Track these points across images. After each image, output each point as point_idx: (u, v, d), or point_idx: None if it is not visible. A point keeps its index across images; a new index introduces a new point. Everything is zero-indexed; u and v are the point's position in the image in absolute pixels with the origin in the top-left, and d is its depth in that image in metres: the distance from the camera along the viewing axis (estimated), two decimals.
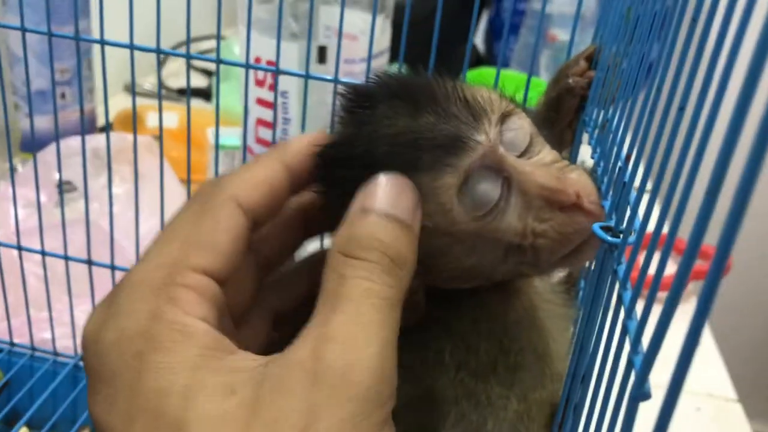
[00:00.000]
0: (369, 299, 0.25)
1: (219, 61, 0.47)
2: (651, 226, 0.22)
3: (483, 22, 1.32)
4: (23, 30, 0.49)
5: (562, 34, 1.18)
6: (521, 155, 0.31)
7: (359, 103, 0.31)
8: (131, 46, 0.47)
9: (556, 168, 0.30)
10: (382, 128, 0.30)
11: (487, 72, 1.13)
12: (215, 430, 0.23)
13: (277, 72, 0.45)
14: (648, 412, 0.20)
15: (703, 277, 0.88)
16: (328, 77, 0.45)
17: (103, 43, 0.47)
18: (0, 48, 0.91)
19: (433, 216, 0.29)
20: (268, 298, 0.33)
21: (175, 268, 0.26)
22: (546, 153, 0.31)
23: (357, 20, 0.63)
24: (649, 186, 0.24)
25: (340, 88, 0.33)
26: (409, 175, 0.29)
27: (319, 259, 0.33)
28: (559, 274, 0.41)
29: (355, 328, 0.24)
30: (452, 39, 0.40)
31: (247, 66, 0.46)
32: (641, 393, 0.20)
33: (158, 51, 0.47)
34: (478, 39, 1.34)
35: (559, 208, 0.29)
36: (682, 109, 0.22)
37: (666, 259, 0.21)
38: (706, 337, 0.80)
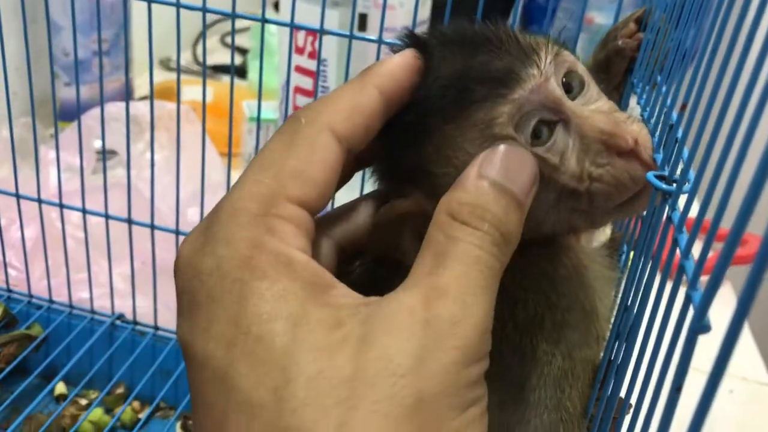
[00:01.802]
0: (478, 266, 0.25)
1: (264, 20, 0.47)
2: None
3: (519, 6, 1.30)
4: None
5: (598, 17, 1.17)
6: (576, 98, 0.31)
7: (416, 49, 0.31)
8: (177, 5, 0.48)
9: (615, 116, 0.30)
10: (437, 70, 0.30)
11: None
12: (322, 361, 0.23)
13: (321, 32, 0.45)
14: (687, 398, 0.20)
15: (741, 263, 0.87)
16: (372, 37, 0.45)
17: (150, 1, 0.48)
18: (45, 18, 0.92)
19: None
20: (334, 229, 0.32)
21: (272, 198, 0.26)
22: (604, 102, 0.31)
23: None
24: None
25: (397, 37, 0.33)
26: (462, 111, 0.29)
27: (380, 196, 0.32)
28: (603, 239, 0.41)
29: (465, 287, 0.24)
30: (492, 17, 0.40)
31: (291, 25, 0.46)
32: (701, 326, 0.20)
33: (204, 9, 0.47)
34: (515, 22, 1.33)
35: (617, 154, 0.29)
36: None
37: (724, 207, 0.21)
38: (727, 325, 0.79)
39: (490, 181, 0.27)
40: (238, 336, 0.23)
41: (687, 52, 0.30)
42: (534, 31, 0.33)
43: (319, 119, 0.27)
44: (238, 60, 1.28)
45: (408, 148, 0.31)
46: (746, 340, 0.77)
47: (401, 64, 0.30)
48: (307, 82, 0.66)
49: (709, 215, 0.22)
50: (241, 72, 1.23)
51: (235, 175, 0.86)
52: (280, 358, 0.23)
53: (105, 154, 0.58)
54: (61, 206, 0.58)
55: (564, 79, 0.30)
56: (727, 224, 0.18)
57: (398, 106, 0.30)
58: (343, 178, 0.33)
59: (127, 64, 0.56)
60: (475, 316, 0.24)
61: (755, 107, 0.18)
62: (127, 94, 0.59)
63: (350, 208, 0.33)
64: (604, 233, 0.41)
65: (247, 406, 0.22)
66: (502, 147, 0.27)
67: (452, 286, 0.24)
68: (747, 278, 0.17)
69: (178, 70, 0.52)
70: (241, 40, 1.32)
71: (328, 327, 0.23)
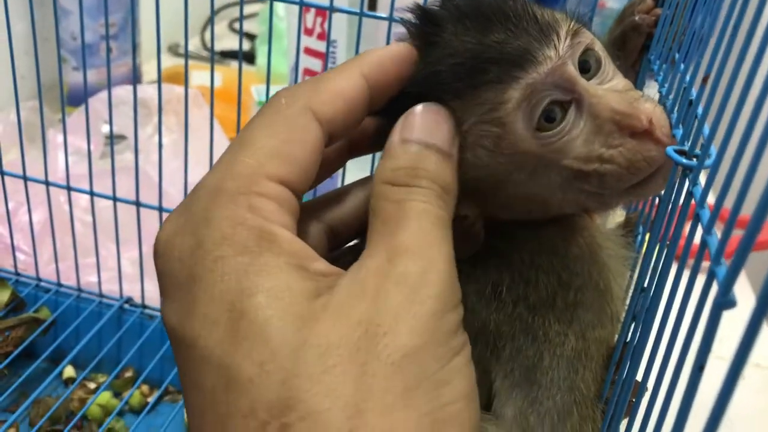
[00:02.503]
0: (429, 218, 0.26)
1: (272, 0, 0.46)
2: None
3: None
4: None
5: (611, 1, 1.15)
6: (592, 78, 0.30)
7: (426, 24, 0.31)
8: None
9: (630, 95, 0.30)
10: (449, 47, 0.29)
11: None
12: (306, 331, 0.23)
13: (330, 9, 0.45)
14: (705, 385, 0.19)
15: (759, 249, 0.86)
16: (383, 15, 0.44)
17: None
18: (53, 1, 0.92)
19: (495, 134, 0.29)
20: (324, 212, 0.32)
21: (253, 177, 0.26)
22: (619, 80, 0.31)
23: None
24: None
25: (408, 10, 0.32)
26: (473, 89, 0.28)
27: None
28: (618, 220, 0.41)
29: (423, 241, 0.25)
30: None
31: (300, 3, 0.46)
32: (726, 301, 0.19)
33: None
34: None
35: (630, 134, 0.29)
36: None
37: (750, 181, 0.20)
38: (753, 307, 0.78)
39: (415, 141, 0.27)
40: (222, 313, 0.23)
41: (707, 31, 0.29)
42: (554, 6, 0.32)
43: (299, 101, 0.27)
44: (246, 45, 1.27)
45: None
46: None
47: (392, 54, 0.29)
48: (316, 64, 0.65)
49: (729, 201, 0.22)
50: (249, 57, 1.22)
51: None
52: (264, 331, 0.23)
53: (112, 137, 0.57)
54: (69, 188, 0.58)
55: (580, 58, 0.30)
56: (751, 200, 0.18)
57: (384, 97, 0.30)
58: (334, 165, 0.33)
59: (134, 48, 0.55)
60: (439, 264, 0.25)
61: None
62: (134, 78, 0.58)
63: (343, 192, 0.33)
64: (620, 214, 0.40)
65: (236, 383, 0.23)
66: (416, 108, 0.28)
67: (412, 242, 0.25)
68: None
69: (186, 54, 0.51)
70: (249, 26, 1.31)
71: (308, 297, 0.24)
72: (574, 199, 0.31)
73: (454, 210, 0.30)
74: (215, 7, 0.48)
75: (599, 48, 0.31)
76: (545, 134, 0.29)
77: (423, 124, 0.28)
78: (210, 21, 0.52)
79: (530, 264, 0.33)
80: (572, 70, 0.29)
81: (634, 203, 0.41)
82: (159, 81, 0.54)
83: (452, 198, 0.28)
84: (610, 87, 0.30)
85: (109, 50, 0.94)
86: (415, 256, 0.25)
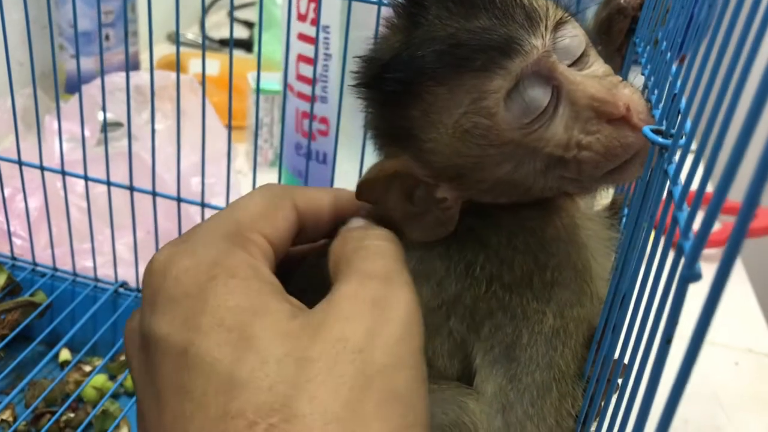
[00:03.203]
0: (387, 253, 0.31)
1: None
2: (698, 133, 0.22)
3: None
4: None
5: None
6: (573, 65, 0.30)
7: (410, 6, 0.31)
8: None
9: (608, 81, 0.30)
10: (433, 30, 0.29)
11: None
12: (288, 345, 0.26)
13: None
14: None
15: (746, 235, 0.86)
16: (372, 0, 0.44)
17: None
18: None
19: (476, 121, 0.29)
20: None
21: (245, 227, 0.31)
22: (599, 66, 0.31)
23: None
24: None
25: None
26: (457, 76, 0.29)
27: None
28: (604, 202, 0.41)
29: (388, 270, 0.29)
30: None
31: None
32: (691, 274, 0.20)
33: None
34: None
35: (607, 121, 0.29)
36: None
37: (714, 159, 0.20)
38: (748, 293, 0.78)
39: (352, 230, 0.32)
40: (215, 325, 0.26)
41: (704, 18, 0.30)
42: None
43: (289, 195, 0.34)
44: (244, 33, 1.27)
45: (396, 108, 0.31)
46: (753, 311, 0.76)
47: (358, 204, 0.34)
48: (310, 50, 0.65)
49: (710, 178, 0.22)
50: (247, 45, 1.22)
51: (235, 147, 0.85)
52: (253, 343, 0.26)
53: (106, 122, 0.58)
54: (63, 173, 0.58)
55: (563, 46, 0.30)
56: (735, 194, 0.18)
57: (340, 220, 0.34)
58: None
59: (126, 35, 0.55)
60: (405, 292, 0.28)
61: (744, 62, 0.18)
62: (127, 64, 0.59)
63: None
64: (606, 196, 0.40)
65: (227, 387, 0.25)
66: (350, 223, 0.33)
67: (379, 271, 0.29)
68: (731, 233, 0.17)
69: (177, 38, 0.52)
70: (248, 14, 1.31)
71: (288, 317, 0.27)
72: (555, 185, 0.31)
73: (435, 192, 0.32)
74: None
75: (581, 35, 0.31)
76: (528, 122, 0.29)
77: (356, 226, 0.33)
78: (203, 9, 0.52)
79: (507, 244, 0.33)
80: (554, 59, 0.29)
81: (622, 185, 0.41)
82: (151, 67, 0.55)
83: (390, 234, 0.32)
84: (589, 73, 0.30)
85: (101, 38, 0.94)
86: (384, 282, 0.28)
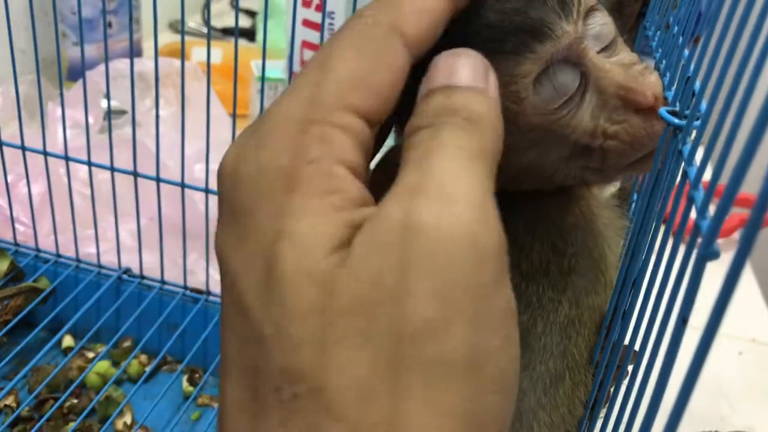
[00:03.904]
0: (444, 151, 0.22)
1: None
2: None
3: None
4: None
5: None
6: (601, 52, 0.30)
7: None
8: None
9: (635, 69, 0.29)
10: (467, 12, 0.29)
11: None
12: (323, 296, 0.20)
13: None
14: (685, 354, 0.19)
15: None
16: None
17: None
18: None
19: (513, 110, 0.28)
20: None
21: (332, 106, 0.23)
22: (626, 54, 0.30)
23: None
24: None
25: None
26: (492, 58, 0.28)
27: None
28: (613, 188, 0.41)
29: (437, 177, 0.21)
30: None
31: None
32: (709, 252, 0.20)
33: None
34: None
35: (634, 110, 0.28)
36: None
37: (732, 140, 0.20)
38: (751, 283, 0.78)
39: (437, 88, 0.24)
40: (257, 258, 0.22)
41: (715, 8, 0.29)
42: None
43: (386, 20, 0.24)
44: (247, 22, 1.27)
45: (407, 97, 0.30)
46: (756, 301, 0.76)
47: None
48: (315, 36, 0.65)
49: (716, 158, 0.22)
50: (250, 34, 1.22)
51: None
52: (283, 288, 0.21)
53: (110, 108, 0.57)
54: (67, 159, 0.58)
55: (593, 32, 0.29)
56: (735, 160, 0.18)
57: (465, 3, 0.27)
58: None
59: (131, 21, 0.55)
60: (463, 209, 0.21)
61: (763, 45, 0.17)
62: (131, 50, 0.58)
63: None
64: (615, 183, 0.40)
65: (259, 340, 0.21)
66: (437, 58, 0.25)
67: (424, 183, 0.21)
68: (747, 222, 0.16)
69: (182, 25, 0.51)
70: (250, 3, 1.30)
71: (331, 247, 0.21)
72: (578, 173, 0.31)
73: None
74: None
75: (611, 23, 0.30)
76: (557, 108, 0.28)
77: (444, 70, 0.25)
78: None
79: (525, 231, 0.33)
80: (585, 44, 0.28)
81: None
82: (156, 53, 0.54)
83: (487, 127, 0.24)
84: (617, 60, 0.29)
85: (106, 25, 0.94)
86: (430, 202, 0.21)
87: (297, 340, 0.20)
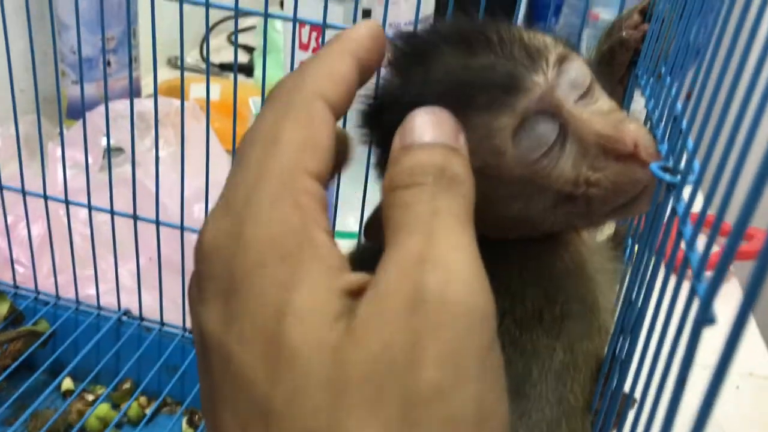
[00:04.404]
0: (439, 218, 0.23)
1: (267, 15, 0.47)
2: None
3: (524, 3, 1.30)
4: None
5: (604, 13, 1.16)
6: (579, 100, 0.30)
7: (411, 48, 0.31)
8: (181, 0, 0.47)
9: (614, 117, 0.30)
10: (434, 71, 0.29)
11: None
12: (318, 359, 0.21)
13: (323, 26, 0.45)
14: (691, 395, 0.20)
15: (747, 258, 0.86)
16: None
17: (182, 1, 0.48)
18: (51, 16, 0.92)
19: (485, 158, 0.29)
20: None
21: (293, 172, 0.24)
22: (604, 101, 0.31)
23: None
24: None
25: (393, 36, 0.32)
26: (463, 115, 0.29)
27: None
28: (607, 232, 0.41)
29: (438, 247, 0.22)
30: (496, 13, 0.40)
31: (294, 20, 0.46)
32: (706, 318, 0.20)
33: (207, 5, 0.47)
34: (519, 19, 1.32)
35: (615, 158, 0.29)
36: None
37: (728, 199, 0.21)
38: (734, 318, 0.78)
39: (416, 144, 0.25)
40: (257, 334, 0.22)
41: (690, 46, 0.30)
42: (540, 28, 0.32)
43: (307, 87, 0.26)
44: (245, 58, 1.28)
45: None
46: (753, 335, 0.76)
47: (369, 32, 0.28)
48: None
49: (714, 210, 0.22)
50: (248, 70, 1.23)
51: None
52: (295, 363, 0.21)
53: (109, 151, 0.58)
54: (67, 202, 0.59)
55: (567, 82, 0.30)
56: (732, 217, 0.18)
57: (370, 76, 0.29)
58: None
59: (131, 61, 0.56)
60: (461, 273, 0.22)
61: (759, 99, 0.18)
62: (131, 91, 0.59)
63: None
64: (609, 226, 0.41)
65: (264, 415, 0.21)
66: (414, 113, 0.26)
67: (425, 251, 0.22)
68: (751, 273, 0.17)
69: (182, 66, 0.52)
70: (248, 39, 1.32)
71: (334, 317, 0.22)
72: (564, 220, 0.31)
73: None
74: (213, 21, 0.49)
75: (586, 69, 0.31)
76: (536, 159, 0.29)
77: (422, 126, 0.26)
78: (206, 31, 0.53)
79: (518, 278, 0.33)
80: (559, 95, 0.29)
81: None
82: (155, 93, 0.55)
83: (466, 189, 0.25)
84: (595, 109, 0.30)
85: (106, 64, 0.95)
86: (432, 269, 0.22)
87: (310, 411, 0.21)
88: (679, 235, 0.24)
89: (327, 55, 0.27)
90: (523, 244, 0.34)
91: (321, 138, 0.25)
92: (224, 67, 1.24)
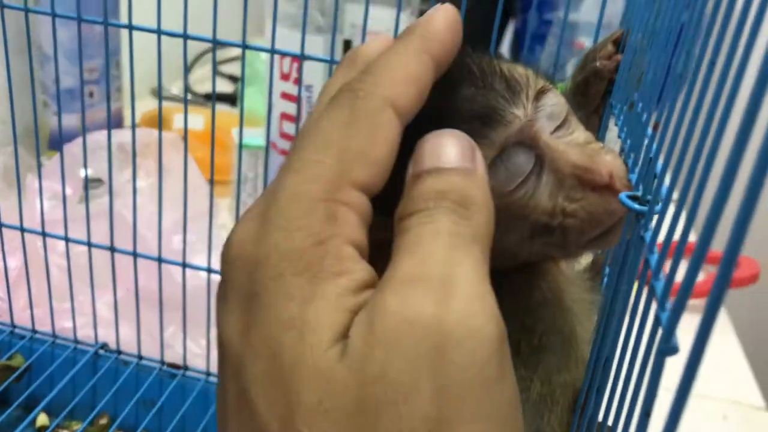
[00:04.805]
0: (440, 238, 0.22)
1: (245, 47, 0.47)
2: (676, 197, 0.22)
3: (509, 32, 1.32)
4: (53, 15, 0.50)
5: (589, 42, 1.18)
6: (555, 131, 0.30)
7: None
8: (159, 32, 0.48)
9: (590, 148, 0.30)
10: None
11: None
12: (321, 390, 0.20)
13: (301, 58, 0.45)
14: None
15: (731, 286, 0.86)
16: None
17: (131, 28, 0.48)
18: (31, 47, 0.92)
19: None
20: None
21: (336, 182, 0.23)
22: (580, 133, 0.31)
23: (383, 16, 0.63)
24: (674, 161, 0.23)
25: None
26: None
27: None
28: (585, 262, 0.41)
29: (434, 266, 0.22)
30: (477, 47, 0.40)
31: (272, 51, 0.47)
32: (668, 347, 0.20)
33: (185, 36, 0.47)
34: (504, 48, 1.34)
35: (591, 189, 0.29)
36: (713, 63, 0.22)
37: (689, 227, 0.20)
38: (733, 345, 0.78)
39: (425, 171, 0.24)
40: (264, 348, 0.21)
41: (663, 76, 0.30)
42: (524, 58, 0.32)
43: (377, 92, 0.25)
44: (229, 88, 1.28)
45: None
46: (740, 363, 0.76)
47: (446, 25, 0.27)
48: (293, 108, 0.66)
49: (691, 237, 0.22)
50: (232, 99, 1.23)
51: (219, 202, 0.85)
52: (289, 386, 0.21)
53: (87, 182, 0.58)
54: (44, 234, 0.58)
55: (547, 114, 0.30)
56: (720, 245, 0.18)
57: (443, 69, 0.27)
58: None
59: (108, 96, 0.56)
60: (457, 298, 0.21)
61: (717, 126, 0.18)
62: (109, 122, 0.59)
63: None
64: (587, 257, 0.40)
65: None
66: (423, 139, 0.25)
67: (420, 272, 0.21)
68: (706, 305, 0.17)
69: (160, 95, 0.52)
70: (233, 69, 1.32)
71: (335, 338, 0.21)
72: (541, 250, 0.31)
73: None
74: (199, 51, 0.49)
75: (563, 102, 0.31)
76: (513, 189, 0.29)
77: (431, 151, 0.25)
78: (184, 63, 0.53)
79: None
80: (536, 127, 0.29)
81: None
82: (133, 125, 0.55)
83: (479, 210, 0.24)
84: (571, 140, 0.30)
85: (88, 95, 0.95)
86: (431, 289, 0.21)
87: None
88: (647, 263, 0.24)
89: (402, 54, 0.26)
90: (501, 274, 0.34)
91: (379, 151, 0.24)
92: (209, 97, 1.25)
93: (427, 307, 0.20)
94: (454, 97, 0.29)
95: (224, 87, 1.29)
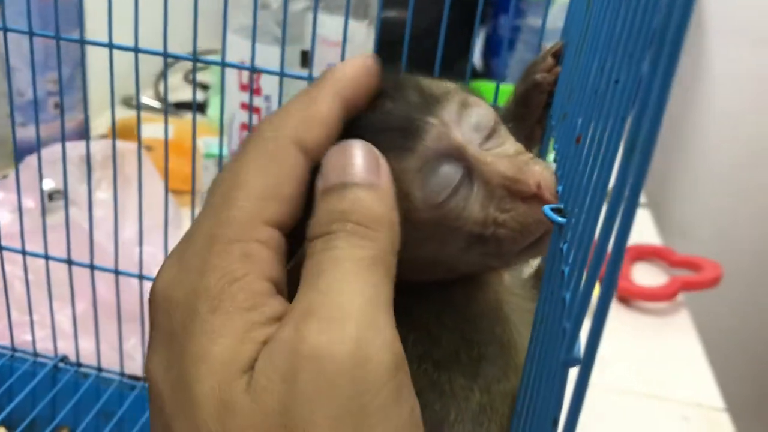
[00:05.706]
0: (339, 267, 0.23)
1: (195, 60, 0.47)
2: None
3: (480, 38, 1.33)
4: (5, 30, 0.50)
5: None
6: (484, 144, 0.31)
7: None
8: (136, 50, 0.48)
9: (519, 159, 0.30)
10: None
11: (484, 86, 1.13)
12: (221, 417, 0.21)
13: (252, 70, 0.46)
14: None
15: (698, 288, 0.87)
16: (303, 74, 0.45)
17: (110, 47, 0.48)
18: None
19: (403, 207, 0.29)
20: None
21: (249, 222, 0.24)
22: (510, 145, 0.31)
23: (341, 26, 0.64)
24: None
25: None
26: None
27: None
28: (530, 270, 0.41)
29: (331, 299, 0.22)
30: (449, 55, 0.41)
31: (222, 64, 0.47)
32: (570, 358, 0.20)
33: (165, 54, 0.47)
34: (475, 54, 1.35)
35: (520, 199, 0.30)
36: (616, 82, 0.22)
37: (606, 239, 0.21)
38: (695, 347, 0.79)
39: (330, 187, 0.25)
40: (181, 383, 0.22)
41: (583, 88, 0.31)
42: (494, 63, 0.33)
43: (282, 133, 0.26)
44: (200, 96, 1.28)
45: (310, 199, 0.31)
46: (701, 366, 0.77)
47: (355, 71, 0.28)
48: (253, 118, 0.66)
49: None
50: (202, 108, 1.23)
51: (184, 212, 0.85)
52: (196, 417, 0.22)
53: (42, 194, 0.58)
54: (1, 248, 0.58)
55: (472, 126, 0.30)
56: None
57: (357, 110, 0.29)
58: None
59: (62, 108, 0.56)
60: (350, 330, 0.22)
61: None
62: (62, 134, 0.59)
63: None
64: (531, 265, 0.41)
65: None
66: (328, 154, 0.26)
67: (320, 302, 0.22)
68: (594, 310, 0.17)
69: (113, 110, 0.52)
70: (203, 76, 1.32)
71: (241, 371, 0.22)
72: (479, 261, 0.32)
73: None
74: (169, 60, 0.49)
75: (490, 113, 0.31)
76: (444, 201, 0.30)
77: (335, 166, 0.26)
78: (164, 75, 0.53)
79: (435, 320, 0.34)
80: (459, 137, 0.30)
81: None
82: (87, 136, 0.55)
83: (381, 229, 0.25)
84: (500, 151, 0.31)
85: (54, 106, 0.95)
86: (324, 321, 0.22)
87: None
88: (562, 274, 0.25)
89: (310, 96, 0.27)
90: (442, 286, 0.34)
91: (287, 189, 0.25)
92: (180, 106, 1.25)
93: (320, 340, 0.21)
94: (373, 115, 0.29)
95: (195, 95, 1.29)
